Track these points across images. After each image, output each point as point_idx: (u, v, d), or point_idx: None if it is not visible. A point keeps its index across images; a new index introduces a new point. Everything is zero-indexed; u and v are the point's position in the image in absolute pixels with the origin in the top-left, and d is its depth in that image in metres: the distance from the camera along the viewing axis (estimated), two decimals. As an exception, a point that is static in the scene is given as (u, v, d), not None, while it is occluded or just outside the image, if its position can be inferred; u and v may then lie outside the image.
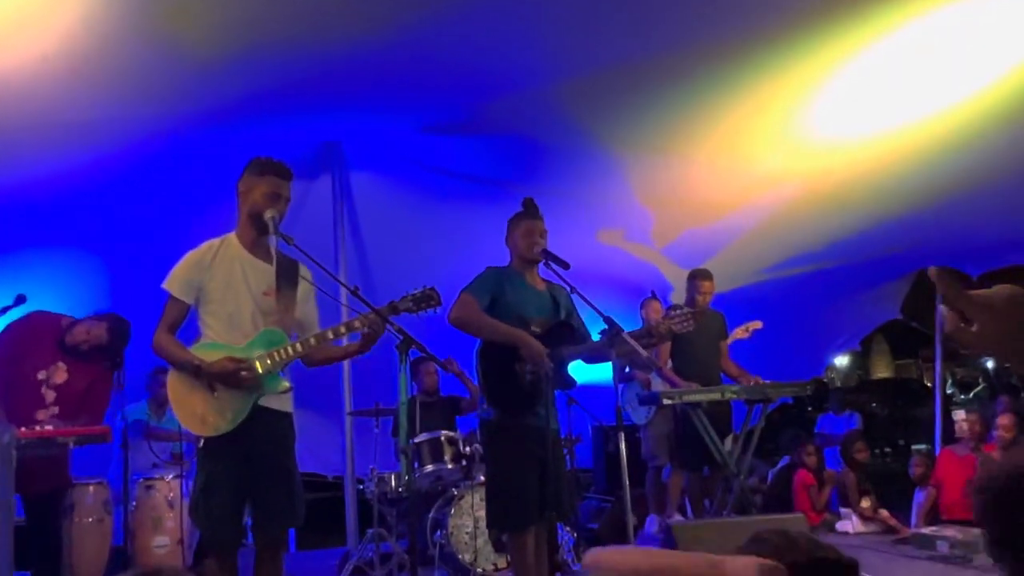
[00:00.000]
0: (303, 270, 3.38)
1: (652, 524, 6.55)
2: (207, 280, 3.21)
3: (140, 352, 5.24)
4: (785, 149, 5.47)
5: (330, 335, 3.27)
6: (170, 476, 4.90)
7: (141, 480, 4.89)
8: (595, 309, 3.57)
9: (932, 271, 1.16)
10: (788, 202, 6.18)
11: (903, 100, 5.00)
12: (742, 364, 6.44)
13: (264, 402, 3.21)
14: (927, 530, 5.74)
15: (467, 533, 5.00)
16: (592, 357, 3.86)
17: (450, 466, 5.22)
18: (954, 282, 1.12)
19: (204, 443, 3.18)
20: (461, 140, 5.55)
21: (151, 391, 5.55)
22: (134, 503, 4.83)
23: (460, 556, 4.96)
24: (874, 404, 18.12)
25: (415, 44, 4.17)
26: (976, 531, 5.45)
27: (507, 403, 3.65)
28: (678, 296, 6.60)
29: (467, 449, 5.29)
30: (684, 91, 4.78)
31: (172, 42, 3.82)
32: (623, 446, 3.76)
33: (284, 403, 3.30)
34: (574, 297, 3.70)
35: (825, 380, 8.08)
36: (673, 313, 3.87)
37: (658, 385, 6.18)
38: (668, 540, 4.02)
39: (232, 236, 3.30)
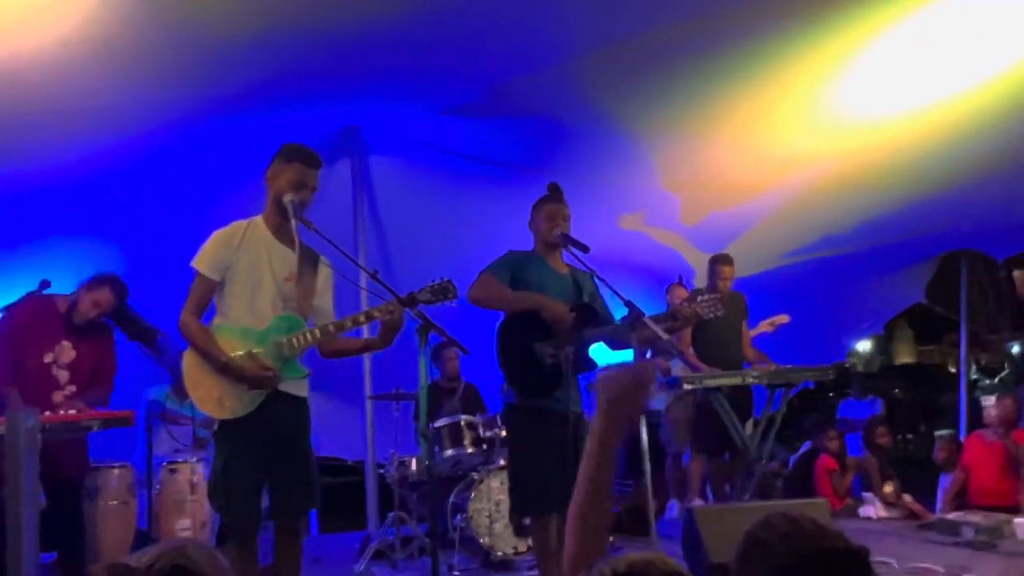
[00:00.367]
0: (323, 259, 3.39)
1: (673, 509, 6.55)
2: (235, 260, 3.22)
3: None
4: (811, 130, 5.39)
5: (348, 323, 3.28)
6: (193, 459, 4.94)
7: (165, 464, 4.93)
8: (616, 293, 3.55)
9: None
10: (813, 184, 6.11)
11: (930, 79, 4.91)
12: (764, 348, 6.40)
13: (281, 386, 3.22)
14: (952, 515, 5.69)
15: (487, 517, 5.01)
16: (614, 342, 3.84)
17: (470, 450, 5.23)
18: None
19: (220, 426, 3.20)
20: (480, 123, 5.52)
21: (172, 375, 5.57)
22: (158, 486, 4.88)
23: (480, 540, 4.97)
24: (897, 389, 17.96)
25: (433, 25, 4.14)
26: (1002, 516, 5.40)
27: (528, 386, 3.64)
28: (700, 281, 6.55)
29: (487, 433, 5.29)
30: (708, 71, 4.72)
31: (192, 27, 3.81)
32: (644, 432, 3.75)
33: (300, 388, 3.32)
34: (596, 282, 3.68)
35: (847, 365, 8.01)
36: (699, 298, 3.84)
37: (678, 370, 6.15)
38: (690, 525, 4.00)
39: (259, 219, 3.32)
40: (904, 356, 20.86)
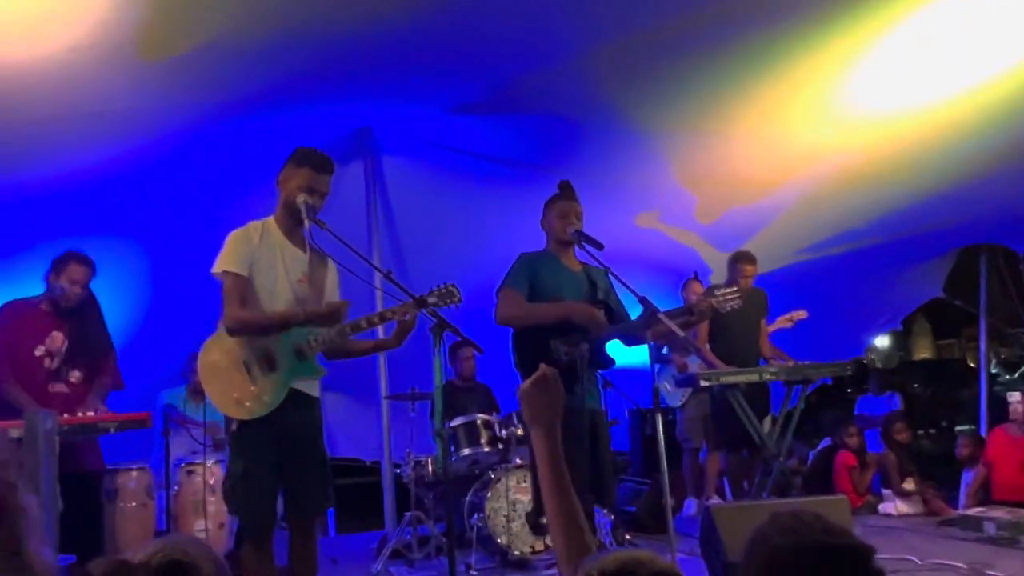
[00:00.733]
0: (331, 260, 3.40)
1: (690, 506, 6.53)
2: (257, 257, 3.24)
3: (176, 337, 5.32)
4: (825, 125, 5.35)
5: (363, 324, 3.28)
6: (211, 461, 4.96)
7: (183, 465, 4.95)
8: (630, 290, 3.53)
9: None
10: (829, 179, 6.06)
11: (945, 72, 4.86)
12: (782, 343, 6.36)
13: (297, 385, 3.25)
14: (974, 511, 5.64)
15: (504, 516, 5.00)
16: (630, 338, 3.82)
17: (486, 449, 5.23)
18: None
19: (239, 427, 3.20)
20: (493, 122, 5.51)
21: (186, 378, 5.61)
22: (176, 488, 4.90)
23: (497, 539, 4.97)
24: (915, 385, 17.81)
25: (444, 24, 4.14)
26: (1025, 512, 5.34)
27: None
28: (718, 278, 6.52)
29: (503, 432, 5.28)
30: (720, 67, 4.68)
31: (203, 31, 3.82)
32: (660, 428, 3.73)
33: (313, 388, 3.34)
34: (610, 278, 3.67)
35: (865, 361, 7.95)
36: (716, 292, 3.81)
37: (695, 367, 6.13)
38: (707, 523, 3.98)
39: (271, 221, 3.34)
40: (923, 351, 20.68)
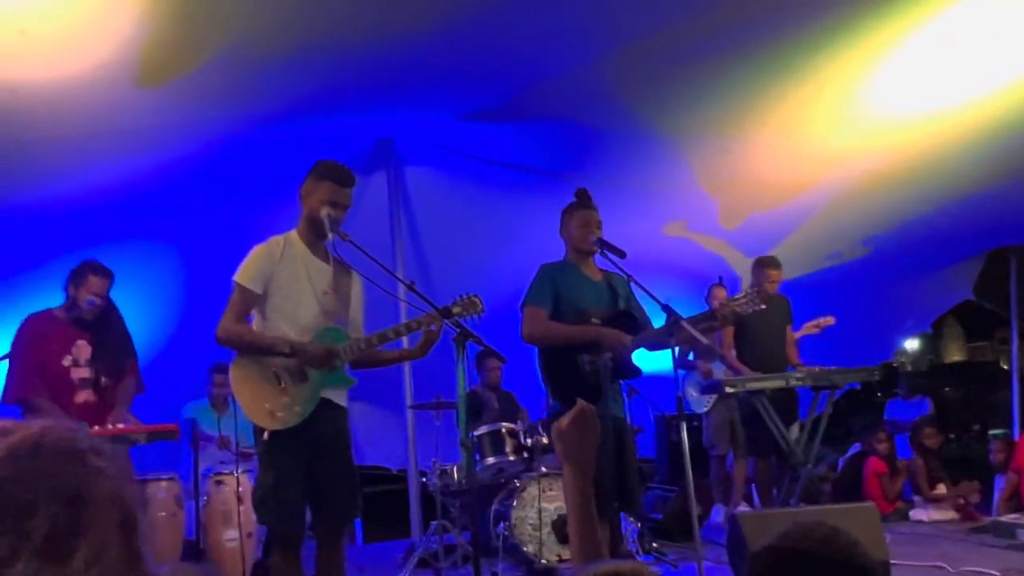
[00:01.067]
0: (354, 271, 3.43)
1: (718, 514, 6.48)
2: (276, 273, 3.27)
3: (198, 349, 5.38)
4: (849, 128, 5.31)
5: (391, 335, 3.31)
6: (239, 471, 5.00)
7: (211, 475, 5.00)
8: (653, 297, 3.52)
9: None
10: (854, 182, 6.01)
11: (971, 73, 4.81)
12: (810, 349, 6.31)
13: (326, 394, 3.27)
14: (1007, 518, 5.55)
15: (530, 524, 4.99)
16: (654, 345, 3.81)
17: (512, 458, 5.23)
18: None
19: (270, 438, 3.22)
20: (515, 131, 5.53)
21: (208, 391, 5.67)
22: (205, 498, 4.95)
23: (524, 547, 4.96)
24: (947, 388, 17.58)
25: (464, 34, 4.16)
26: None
27: (573, 394, 3.61)
28: (746, 285, 6.47)
29: (528, 441, 5.28)
30: (741, 70, 4.67)
31: (227, 47, 3.87)
32: (685, 435, 3.71)
33: (341, 397, 3.36)
34: (631, 285, 3.66)
35: (895, 364, 7.84)
36: (738, 296, 3.79)
37: (720, 373, 6.09)
38: (734, 530, 3.95)
39: (294, 234, 3.37)
40: (954, 354, 20.44)
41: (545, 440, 5.18)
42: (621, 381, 3.87)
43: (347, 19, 3.90)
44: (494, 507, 5.25)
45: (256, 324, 3.31)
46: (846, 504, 5.10)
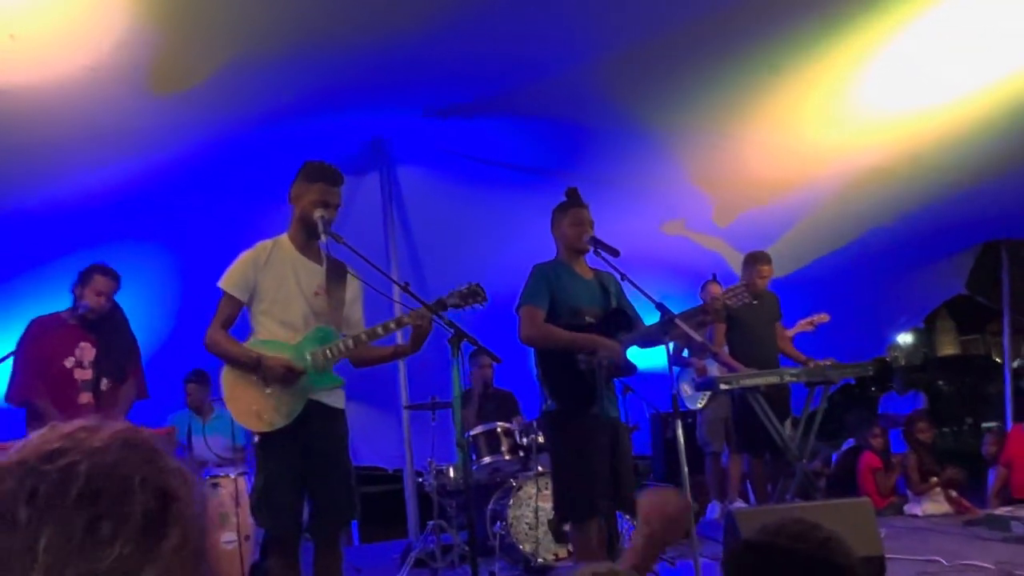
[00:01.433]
0: (351, 270, 3.43)
1: (714, 511, 6.50)
2: (261, 279, 3.28)
3: (193, 353, 5.37)
4: (840, 125, 5.32)
5: (380, 331, 3.31)
6: (235, 474, 5.00)
7: (207, 478, 5.00)
8: (646, 295, 3.53)
9: None
10: (848, 179, 6.03)
11: (961, 69, 4.82)
12: (804, 346, 6.33)
13: (317, 397, 3.27)
14: (1000, 511, 5.58)
15: (527, 524, 5.01)
16: (645, 342, 3.82)
17: (507, 457, 5.24)
18: None
19: (260, 440, 3.24)
20: (508, 130, 5.53)
21: (185, 399, 5.68)
22: (201, 501, 4.93)
23: (520, 547, 4.97)
24: (940, 382, 17.67)
25: (456, 33, 4.16)
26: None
27: (569, 394, 3.63)
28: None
29: (524, 440, 5.29)
30: (730, 68, 4.68)
31: (219, 49, 3.87)
32: (680, 433, 3.72)
33: (337, 399, 3.36)
34: (624, 284, 3.67)
35: (888, 359, 7.89)
36: (727, 290, 3.81)
37: (714, 370, 6.10)
38: (730, 527, 3.96)
39: (284, 237, 3.39)
40: (947, 348, 20.52)
41: (541, 439, 5.19)
42: (617, 379, 3.88)
43: (339, 19, 3.90)
44: (490, 506, 5.26)
45: (252, 330, 3.32)
46: (841, 499, 5.12)
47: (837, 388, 6.48)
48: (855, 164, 5.84)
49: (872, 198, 6.33)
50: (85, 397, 4.19)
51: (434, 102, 5.11)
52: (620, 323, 3.75)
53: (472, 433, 5.22)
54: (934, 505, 6.28)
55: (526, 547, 4.97)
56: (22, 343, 4.21)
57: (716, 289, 6.51)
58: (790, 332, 6.19)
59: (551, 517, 4.95)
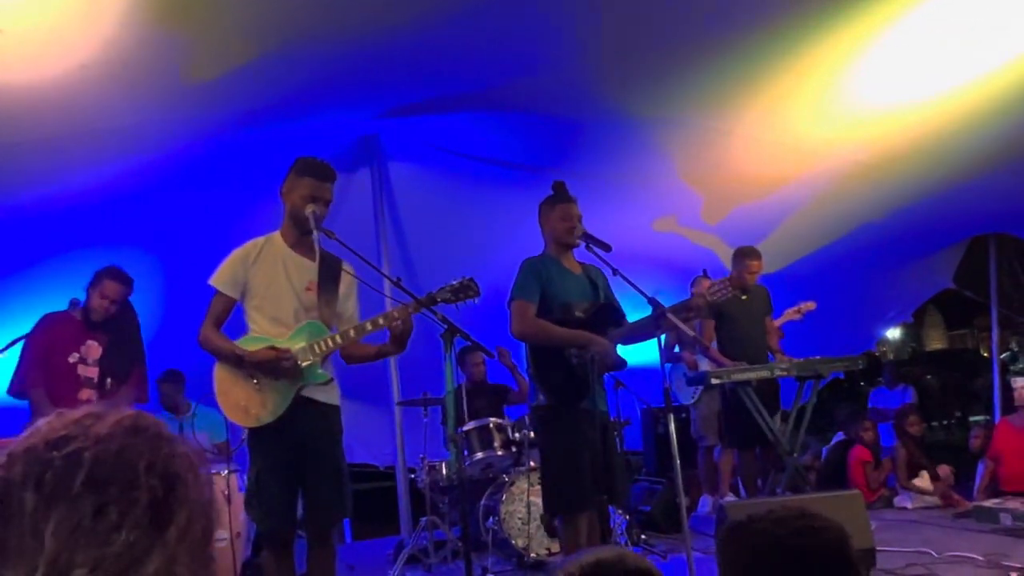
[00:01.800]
0: (346, 265, 3.44)
1: (705, 504, 6.53)
2: (252, 276, 3.29)
3: (179, 352, 5.35)
4: (830, 120, 5.33)
5: (368, 327, 3.32)
6: (226, 471, 4.99)
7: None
8: (639, 291, 3.54)
9: None
10: (839, 173, 6.04)
11: (952, 62, 4.84)
12: (792, 339, 6.36)
13: (310, 394, 3.27)
14: (989, 503, 5.62)
15: (519, 519, 5.02)
16: (634, 337, 3.83)
17: (500, 453, 5.24)
18: None
19: (250, 435, 3.26)
20: (500, 126, 5.53)
21: (158, 400, 5.69)
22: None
23: (513, 542, 4.98)
24: (929, 376, 17.77)
25: (446, 29, 4.15)
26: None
27: (560, 389, 3.64)
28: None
29: (516, 436, 5.30)
30: (718, 63, 4.68)
31: (209, 46, 3.85)
32: (672, 427, 3.74)
33: (331, 396, 3.36)
34: (616, 278, 3.68)
35: (877, 354, 7.93)
36: (711, 285, 3.82)
37: (705, 365, 6.13)
38: (722, 520, 3.99)
39: (276, 234, 3.40)
40: (935, 342, 20.64)
41: (533, 435, 5.20)
42: (609, 374, 3.89)
43: (330, 16, 3.89)
44: (483, 502, 5.27)
45: (246, 324, 3.34)
46: (831, 492, 5.16)
47: (826, 383, 6.51)
48: (845, 159, 5.87)
49: (862, 194, 6.36)
50: (87, 394, 4.21)
51: (423, 98, 5.10)
52: (610, 318, 3.76)
53: (464, 429, 5.23)
54: (924, 498, 6.32)
55: (519, 542, 4.98)
56: (30, 335, 4.26)
57: (707, 284, 6.53)
58: (778, 322, 6.22)
59: (543, 512, 4.97)
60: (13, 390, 4.22)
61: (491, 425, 5.30)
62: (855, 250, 7.31)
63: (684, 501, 3.87)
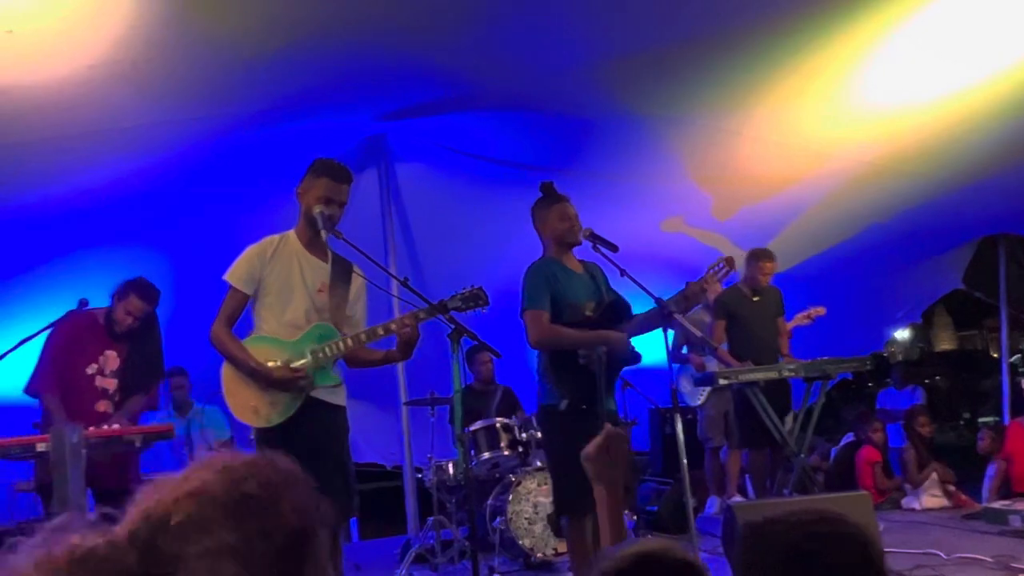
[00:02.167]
0: (356, 268, 3.44)
1: (712, 505, 6.52)
2: (267, 274, 3.28)
3: (187, 351, 5.36)
4: (838, 119, 5.31)
5: (380, 331, 3.32)
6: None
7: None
8: (645, 290, 3.53)
9: None
10: (847, 173, 6.02)
11: (961, 62, 4.82)
12: (801, 340, 6.34)
13: (317, 395, 3.27)
14: (998, 504, 5.59)
15: (526, 519, 5.01)
16: (639, 330, 3.81)
17: (507, 453, 5.24)
18: None
19: (258, 435, 3.25)
20: (507, 126, 5.53)
21: (169, 396, 5.69)
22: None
23: (520, 542, 4.98)
24: (937, 377, 17.70)
25: (453, 28, 4.16)
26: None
27: (575, 389, 3.61)
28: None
29: (523, 436, 5.30)
30: (727, 62, 4.67)
31: (216, 44, 3.86)
32: (679, 428, 3.72)
33: (338, 397, 3.36)
34: (623, 279, 3.67)
35: (885, 354, 7.88)
36: (708, 270, 3.81)
37: (713, 366, 6.11)
38: (729, 521, 3.97)
39: (291, 233, 3.39)
40: (944, 343, 20.53)
41: (540, 435, 5.19)
42: (625, 369, 3.85)
43: (337, 16, 3.89)
44: (490, 502, 5.27)
45: (254, 324, 3.33)
46: (839, 493, 5.14)
47: (835, 384, 6.49)
48: (854, 159, 5.85)
49: (870, 194, 6.33)
50: (103, 405, 4.17)
51: (430, 98, 5.10)
52: (620, 313, 3.73)
53: (471, 429, 5.22)
54: (932, 499, 6.29)
55: (525, 542, 4.98)
56: (51, 335, 4.20)
57: (717, 286, 6.52)
58: (788, 326, 6.20)
59: (550, 512, 4.96)
60: (30, 389, 4.19)
61: (498, 425, 5.30)
62: (864, 250, 7.29)
63: (691, 502, 3.86)
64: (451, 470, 5.27)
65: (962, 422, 15.70)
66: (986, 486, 6.36)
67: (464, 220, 6.37)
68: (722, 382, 5.25)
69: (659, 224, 6.61)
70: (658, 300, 3.52)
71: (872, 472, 6.53)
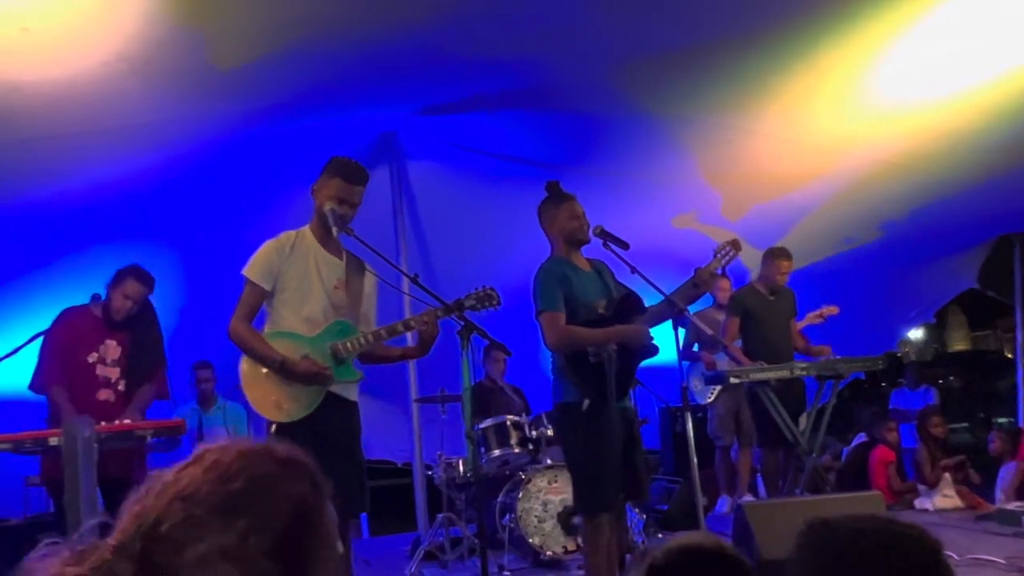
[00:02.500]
0: (368, 266, 3.44)
1: (723, 504, 6.50)
2: (285, 269, 3.28)
3: (198, 347, 5.38)
4: (851, 118, 5.29)
5: (400, 328, 3.33)
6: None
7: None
8: (656, 288, 3.52)
9: None
10: (860, 172, 5.99)
11: (975, 60, 4.78)
12: (813, 339, 6.31)
13: (334, 389, 3.28)
14: (1012, 505, 5.55)
15: (536, 517, 5.01)
16: (652, 322, 3.79)
17: (516, 450, 5.23)
18: None
19: (277, 430, 3.24)
20: (518, 124, 5.52)
21: (195, 388, 5.70)
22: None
23: (529, 539, 4.97)
24: (951, 377, 17.59)
25: (466, 26, 4.16)
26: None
27: (594, 387, 3.59)
28: (754, 278, 6.46)
29: (533, 433, 5.29)
30: (739, 61, 4.65)
31: (229, 43, 3.88)
32: (690, 426, 3.71)
33: (351, 392, 3.37)
34: (634, 277, 3.66)
35: (899, 354, 7.81)
36: (713, 260, 3.78)
37: (724, 364, 6.09)
38: (740, 521, 3.96)
39: (307, 229, 3.39)
40: (958, 343, 20.39)
41: (550, 432, 5.19)
42: (644, 362, 3.82)
43: (350, 13, 3.90)
44: (499, 499, 5.27)
45: (268, 319, 3.33)
46: (852, 493, 5.12)
47: (847, 383, 6.45)
48: (867, 157, 5.81)
49: (884, 192, 6.30)
50: (105, 394, 4.19)
51: (443, 96, 5.10)
52: (630, 309, 3.72)
53: (481, 426, 5.22)
54: (945, 500, 6.25)
55: (535, 540, 4.98)
56: (50, 329, 4.23)
57: (724, 283, 6.49)
58: (799, 325, 6.17)
59: (560, 510, 4.96)
60: (34, 385, 4.23)
61: (508, 422, 5.30)
62: (877, 249, 7.24)
63: (702, 500, 3.85)
64: (461, 467, 5.27)
65: (971, 423, 15.59)
66: (999, 487, 6.32)
67: (475, 218, 6.37)
68: (733, 380, 5.23)
69: (671, 220, 6.59)
70: (668, 298, 3.51)
71: (886, 472, 6.49)
